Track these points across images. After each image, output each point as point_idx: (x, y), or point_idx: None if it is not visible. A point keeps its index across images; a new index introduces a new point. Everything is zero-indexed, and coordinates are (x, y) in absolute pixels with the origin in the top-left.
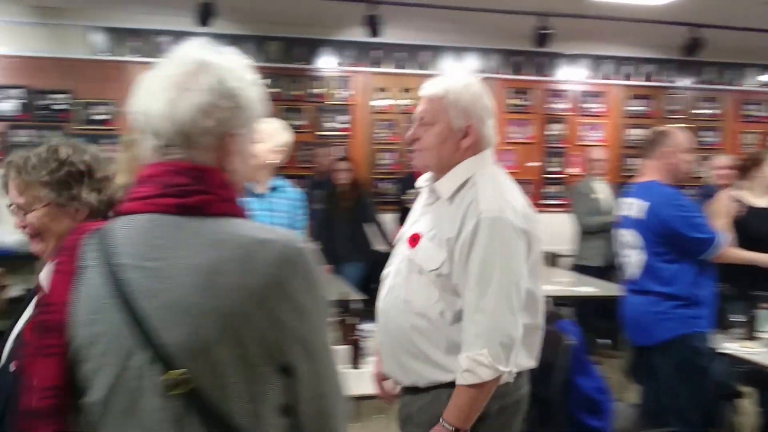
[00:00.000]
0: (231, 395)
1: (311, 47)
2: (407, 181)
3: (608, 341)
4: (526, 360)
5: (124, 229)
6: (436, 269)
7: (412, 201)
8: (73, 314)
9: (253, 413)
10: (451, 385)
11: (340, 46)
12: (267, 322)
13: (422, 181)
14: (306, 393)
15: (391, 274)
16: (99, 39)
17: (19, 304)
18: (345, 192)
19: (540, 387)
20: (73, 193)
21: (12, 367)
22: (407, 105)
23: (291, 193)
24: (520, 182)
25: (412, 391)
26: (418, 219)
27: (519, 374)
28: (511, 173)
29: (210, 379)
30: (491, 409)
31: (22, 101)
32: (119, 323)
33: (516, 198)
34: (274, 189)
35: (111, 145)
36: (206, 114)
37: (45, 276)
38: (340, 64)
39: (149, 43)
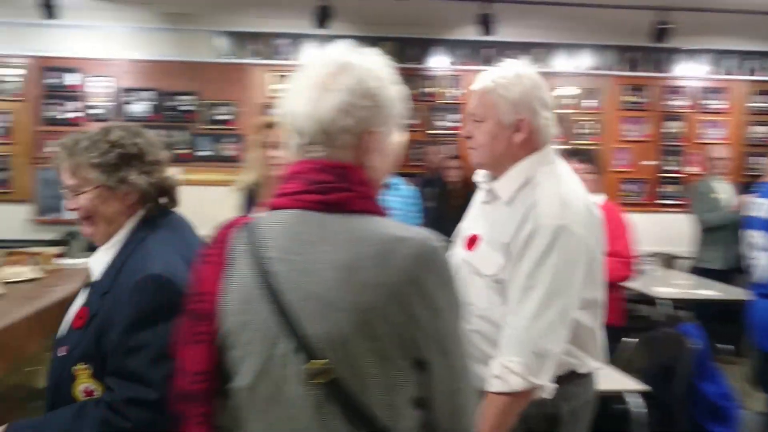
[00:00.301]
0: (368, 386)
1: (423, 47)
2: None
3: (730, 347)
4: (593, 362)
5: (271, 224)
6: (494, 274)
7: None
8: (222, 303)
9: (389, 405)
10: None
11: (451, 46)
12: (402, 318)
13: (479, 178)
14: (440, 388)
15: None
16: (222, 43)
17: None
18: (455, 190)
19: (660, 391)
20: (123, 176)
21: (59, 353)
22: None
23: (404, 191)
24: (635, 181)
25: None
26: (476, 218)
27: (587, 376)
28: (625, 172)
29: (349, 371)
30: (562, 412)
31: (153, 103)
32: (266, 313)
33: (580, 203)
34: (388, 187)
35: (232, 143)
36: (346, 113)
37: (94, 261)
38: (452, 63)
39: (269, 45)
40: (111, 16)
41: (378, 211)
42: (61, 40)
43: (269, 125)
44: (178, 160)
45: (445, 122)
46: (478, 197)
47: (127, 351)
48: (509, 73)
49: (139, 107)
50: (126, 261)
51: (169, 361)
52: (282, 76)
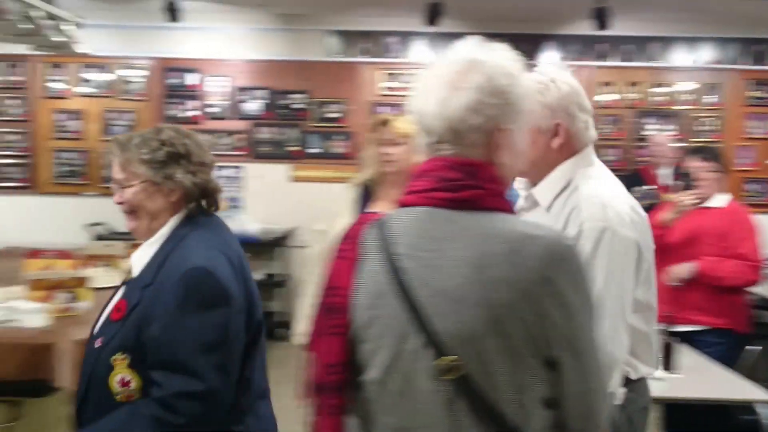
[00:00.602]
0: (498, 384)
1: (535, 43)
2: (633, 179)
3: None
4: (645, 368)
5: (401, 221)
6: None
7: (639, 199)
8: (354, 298)
9: (519, 403)
10: None
11: (564, 41)
12: (533, 316)
13: (517, 185)
14: (571, 388)
15: None
16: (333, 42)
17: (264, 288)
18: None
19: None
20: (169, 173)
21: (96, 345)
22: (634, 99)
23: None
24: (759, 181)
25: None
26: None
27: (640, 381)
28: (749, 171)
29: (478, 368)
30: (618, 419)
31: (265, 101)
32: (396, 308)
33: (623, 203)
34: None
35: (342, 141)
36: (475, 111)
37: (136, 257)
38: (563, 59)
39: (379, 44)
40: (228, 18)
41: (508, 208)
42: (181, 42)
43: (384, 123)
44: (289, 157)
45: None
46: (517, 205)
47: (172, 343)
48: (544, 78)
49: (253, 105)
50: (168, 256)
51: (215, 351)
52: (391, 74)
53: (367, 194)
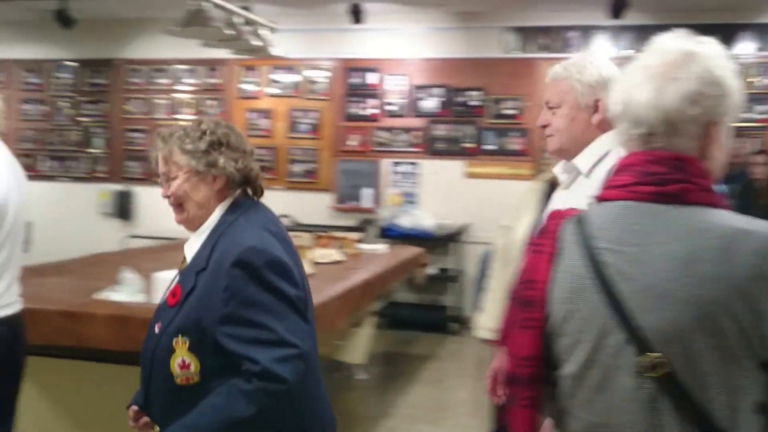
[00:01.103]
0: (706, 385)
1: (727, 33)
2: None
3: None
4: None
5: (602, 215)
6: None
7: None
8: (552, 292)
9: (729, 406)
10: None
11: (760, 30)
12: (749, 315)
13: (557, 171)
14: None
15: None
16: (511, 38)
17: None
18: (763, 188)
19: None
20: (211, 161)
21: (156, 329)
22: None
23: None
24: None
25: None
26: (556, 206)
27: None
28: None
29: (685, 366)
30: None
31: (442, 99)
32: (597, 303)
33: None
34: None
35: (518, 137)
36: (693, 102)
37: (188, 247)
38: (760, 50)
39: (558, 39)
40: (408, 18)
41: (719, 203)
42: (363, 43)
43: None
44: (465, 153)
45: (752, 114)
46: (557, 192)
47: (250, 321)
48: (581, 59)
49: (430, 103)
50: (218, 241)
51: (291, 316)
52: None
53: (552, 191)
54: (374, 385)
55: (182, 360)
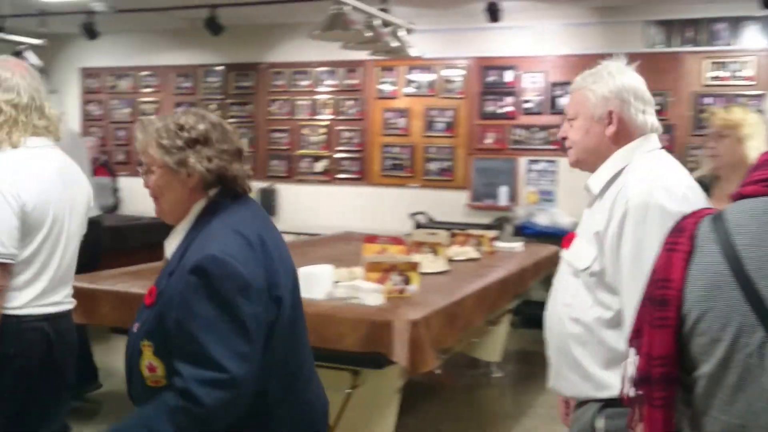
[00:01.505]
0: None
1: None
2: None
3: None
4: None
5: (740, 211)
6: (588, 268)
7: None
8: (687, 290)
9: None
10: (605, 402)
11: None
12: None
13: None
14: None
15: (555, 278)
16: (654, 32)
17: None
18: None
19: None
20: (182, 158)
21: (133, 329)
22: None
23: None
24: None
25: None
26: (581, 224)
27: None
28: None
29: None
30: None
31: None
32: (736, 300)
33: (674, 179)
34: None
35: (662, 134)
36: None
37: (167, 243)
38: None
39: (704, 32)
40: (544, 15)
41: None
42: (499, 41)
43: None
44: None
45: None
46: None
47: (189, 333)
48: (597, 70)
49: (567, 100)
50: (191, 243)
51: (234, 338)
52: (718, 62)
53: (705, 190)
54: (510, 383)
55: (149, 363)
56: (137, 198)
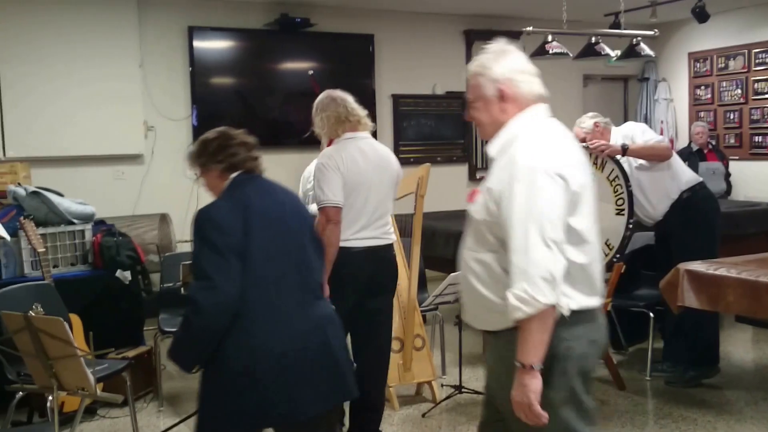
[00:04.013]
0: None
1: None
2: None
3: None
4: (585, 299)
5: None
6: (483, 219)
7: None
8: None
9: None
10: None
11: None
12: None
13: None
14: None
15: (465, 228)
16: None
17: None
18: None
19: None
20: (203, 162)
21: None
22: None
23: None
24: None
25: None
26: None
27: (583, 313)
28: None
29: None
30: (556, 351)
31: None
32: None
33: (556, 146)
34: None
35: None
36: None
37: None
38: None
39: None
40: None
41: None
42: None
43: None
44: None
45: None
46: None
47: (192, 262)
48: (483, 55)
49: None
50: None
51: (214, 259)
52: None
53: None
54: None
55: None
56: (749, 182)
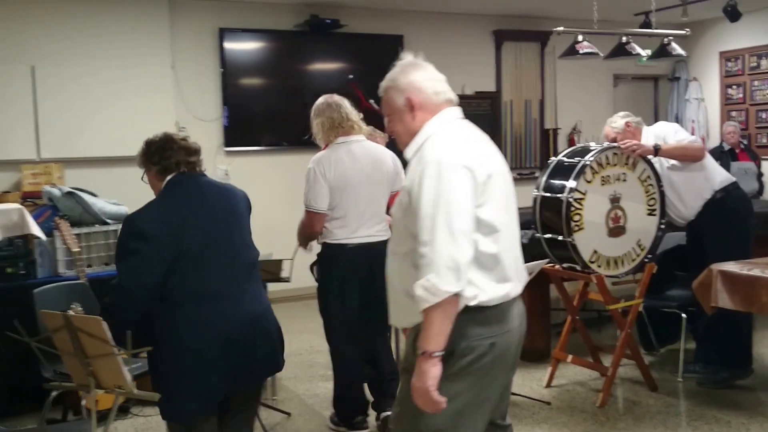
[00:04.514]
0: None
1: None
2: None
3: None
4: (496, 288)
5: None
6: (400, 218)
7: None
8: None
9: None
10: None
11: None
12: None
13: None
14: None
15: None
16: None
17: None
18: None
19: None
20: (142, 161)
21: None
22: None
23: None
24: None
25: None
26: None
27: (492, 311)
28: None
29: None
30: (457, 348)
31: None
32: None
33: (463, 142)
34: None
35: None
36: None
37: None
38: None
39: None
40: None
41: None
42: None
43: None
44: None
45: None
46: None
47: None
48: (392, 71)
49: None
50: None
51: (128, 261)
52: None
53: None
54: None
55: None
56: None
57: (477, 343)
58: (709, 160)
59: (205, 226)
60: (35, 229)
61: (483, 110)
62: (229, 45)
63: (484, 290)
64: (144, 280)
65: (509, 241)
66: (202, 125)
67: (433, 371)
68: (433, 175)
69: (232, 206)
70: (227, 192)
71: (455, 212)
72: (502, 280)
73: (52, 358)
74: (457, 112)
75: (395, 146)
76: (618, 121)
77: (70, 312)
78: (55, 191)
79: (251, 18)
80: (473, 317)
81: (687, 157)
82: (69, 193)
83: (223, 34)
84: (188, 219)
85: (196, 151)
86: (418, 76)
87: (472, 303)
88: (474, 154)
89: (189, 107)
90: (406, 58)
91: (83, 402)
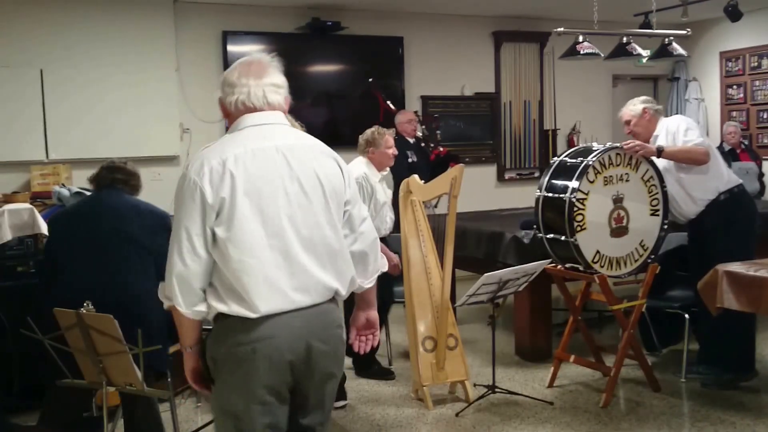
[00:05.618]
0: None
1: None
2: None
3: None
4: (237, 306)
5: None
6: None
7: None
8: None
9: None
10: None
11: None
12: None
13: None
14: None
15: None
16: None
17: None
18: None
19: None
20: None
21: None
22: None
23: None
24: None
25: None
26: None
27: (236, 321)
28: None
29: None
30: (215, 354)
31: None
32: None
33: (213, 155)
34: None
35: None
36: None
37: None
38: None
39: None
40: None
41: None
42: None
43: None
44: None
45: None
46: None
47: None
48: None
49: None
50: None
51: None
52: None
53: None
54: None
55: None
56: None
57: (217, 352)
58: (718, 160)
59: (84, 234)
60: (45, 229)
61: (482, 111)
62: (232, 47)
63: (227, 304)
64: (47, 261)
65: (261, 260)
66: (206, 127)
67: (187, 363)
68: (177, 190)
69: (118, 219)
70: (124, 207)
71: (185, 229)
72: (242, 300)
73: (60, 355)
74: (254, 118)
75: (401, 144)
76: (637, 105)
77: (82, 310)
78: (65, 191)
79: (254, 21)
80: (221, 329)
81: (689, 160)
82: (78, 193)
83: (227, 36)
84: (77, 227)
85: (123, 170)
86: (224, 79)
87: (195, 316)
88: (218, 170)
89: (193, 109)
90: (244, 57)
91: (95, 399)
